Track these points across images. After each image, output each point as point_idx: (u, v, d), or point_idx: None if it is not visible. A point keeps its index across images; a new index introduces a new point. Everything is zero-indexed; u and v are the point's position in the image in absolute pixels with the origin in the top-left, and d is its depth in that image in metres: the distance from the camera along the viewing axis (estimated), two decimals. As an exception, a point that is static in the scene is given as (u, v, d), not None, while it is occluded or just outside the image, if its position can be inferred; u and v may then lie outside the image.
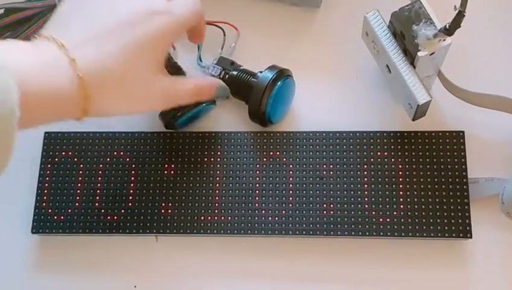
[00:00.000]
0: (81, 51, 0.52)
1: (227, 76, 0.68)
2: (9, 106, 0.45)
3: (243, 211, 0.64)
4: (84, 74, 0.51)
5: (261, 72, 0.66)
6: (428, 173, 0.64)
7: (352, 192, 0.64)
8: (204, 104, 0.67)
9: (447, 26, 0.55)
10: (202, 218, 0.65)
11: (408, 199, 0.63)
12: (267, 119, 0.66)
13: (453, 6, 0.53)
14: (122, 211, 0.65)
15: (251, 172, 0.66)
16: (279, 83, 0.65)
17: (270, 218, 0.64)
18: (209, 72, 0.69)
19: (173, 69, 0.67)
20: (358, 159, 0.65)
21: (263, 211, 0.64)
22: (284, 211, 0.64)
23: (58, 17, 0.56)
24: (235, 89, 0.67)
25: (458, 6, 0.53)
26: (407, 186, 0.63)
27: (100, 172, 0.67)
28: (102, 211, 0.65)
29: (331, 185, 0.64)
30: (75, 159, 0.67)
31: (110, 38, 0.53)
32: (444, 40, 0.58)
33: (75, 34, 0.53)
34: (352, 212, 0.63)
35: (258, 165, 0.66)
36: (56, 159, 0.67)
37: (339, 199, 0.64)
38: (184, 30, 0.59)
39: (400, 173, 0.64)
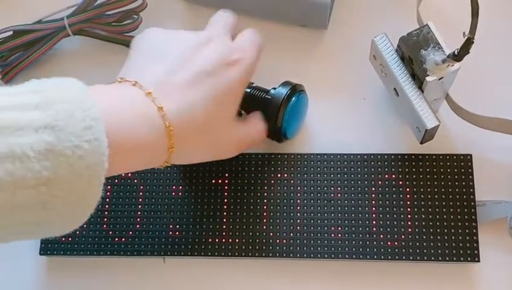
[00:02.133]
0: (167, 99, 0.52)
1: None
2: (99, 156, 0.44)
3: (251, 234, 0.64)
4: (171, 123, 0.52)
5: (274, 88, 0.66)
6: (436, 196, 0.63)
7: (360, 215, 0.63)
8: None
9: (456, 52, 0.55)
10: (210, 240, 0.64)
11: (416, 222, 0.62)
12: (282, 135, 0.65)
13: (462, 33, 0.53)
14: (130, 232, 0.65)
15: (259, 194, 0.65)
16: (294, 98, 0.65)
17: (278, 241, 0.63)
18: None
19: None
20: (366, 182, 0.64)
21: (271, 234, 0.64)
22: (292, 234, 0.64)
23: (135, 62, 0.57)
24: (249, 107, 0.67)
25: (467, 32, 0.53)
26: (415, 209, 0.63)
27: (108, 193, 0.66)
28: (110, 232, 0.65)
29: (339, 208, 0.64)
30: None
31: (192, 89, 0.54)
32: (453, 65, 0.57)
33: (159, 82, 0.54)
34: (360, 235, 0.63)
35: (266, 187, 0.65)
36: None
37: (346, 221, 0.63)
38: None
39: (408, 196, 0.63)
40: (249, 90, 0.67)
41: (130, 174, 0.67)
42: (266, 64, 0.70)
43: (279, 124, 0.64)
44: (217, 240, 0.64)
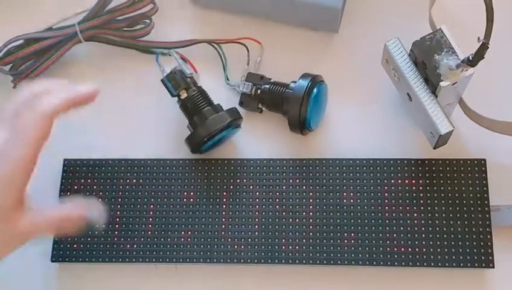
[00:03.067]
0: None
1: (259, 91, 0.68)
2: None
3: (263, 240, 0.63)
4: None
5: (293, 82, 0.66)
6: (449, 201, 0.62)
7: (373, 221, 0.62)
8: (231, 128, 0.66)
9: (470, 58, 0.54)
10: (222, 246, 0.63)
11: (430, 228, 0.62)
12: (307, 126, 0.65)
13: (477, 38, 0.52)
14: (142, 239, 0.64)
15: (271, 200, 0.64)
16: (315, 89, 0.64)
17: (290, 247, 0.63)
18: (239, 90, 0.69)
19: (199, 93, 0.66)
20: (379, 187, 0.64)
21: (283, 240, 0.63)
22: (304, 240, 0.63)
23: None
24: (270, 103, 0.67)
25: (482, 38, 0.52)
26: (429, 214, 0.62)
27: (119, 200, 0.66)
28: (122, 239, 0.64)
29: (352, 214, 0.63)
30: (94, 187, 0.66)
31: None
32: (467, 70, 0.56)
33: None
34: (374, 241, 0.62)
35: (278, 193, 0.65)
36: (75, 187, 0.67)
37: (359, 227, 0.62)
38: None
39: (421, 201, 0.63)
40: (268, 86, 0.67)
41: (141, 181, 0.66)
42: (278, 67, 0.70)
43: (303, 116, 0.64)
44: (229, 246, 0.63)
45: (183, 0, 0.75)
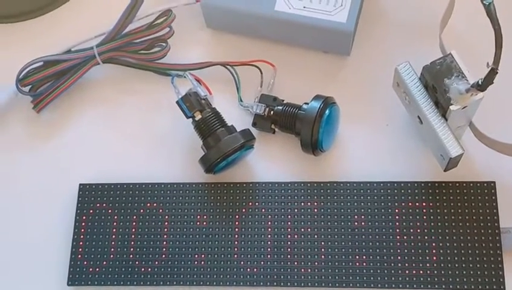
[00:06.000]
0: None
1: (272, 112, 0.67)
2: None
3: (275, 263, 0.62)
4: None
5: (306, 103, 0.64)
6: (460, 223, 0.61)
7: (384, 243, 0.61)
8: (244, 149, 0.64)
9: (480, 82, 0.52)
10: (235, 269, 0.62)
11: (440, 251, 0.60)
12: (319, 147, 0.64)
13: (486, 63, 0.50)
14: (156, 262, 0.63)
15: (283, 223, 0.63)
16: (327, 110, 0.63)
17: (302, 270, 0.61)
18: (253, 111, 0.67)
19: (213, 115, 0.65)
20: (389, 210, 0.62)
21: (295, 263, 0.61)
22: (316, 263, 0.61)
23: None
24: (282, 123, 0.66)
25: (491, 63, 0.50)
26: (439, 237, 0.60)
27: (134, 223, 0.65)
28: (137, 262, 0.63)
29: (363, 236, 0.61)
30: (110, 211, 0.65)
31: None
32: (477, 94, 0.55)
33: None
34: (385, 264, 0.60)
35: (289, 216, 0.63)
36: (91, 211, 0.65)
37: (371, 250, 0.61)
38: None
39: (432, 223, 0.61)
40: (280, 107, 0.66)
41: (155, 204, 0.65)
42: (290, 89, 0.69)
43: (315, 137, 0.63)
44: (241, 269, 0.62)
45: (199, 24, 0.74)
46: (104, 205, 0.66)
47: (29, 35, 0.78)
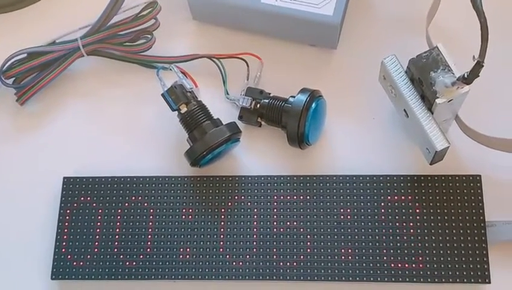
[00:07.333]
0: None
1: (258, 105, 0.66)
2: None
3: (261, 257, 0.61)
4: None
5: (292, 96, 0.64)
6: (445, 217, 0.60)
7: (369, 237, 0.60)
8: (230, 142, 0.64)
9: (466, 76, 0.52)
10: (220, 263, 0.61)
11: (425, 244, 0.60)
12: (305, 140, 0.63)
13: (472, 56, 0.50)
14: (141, 256, 0.62)
15: (269, 216, 0.62)
16: (314, 104, 0.63)
17: (288, 263, 0.61)
18: (239, 104, 0.67)
19: (199, 108, 0.64)
20: (375, 203, 0.61)
21: (281, 257, 0.61)
22: (302, 256, 0.61)
23: None
24: (269, 117, 0.65)
25: (477, 56, 0.50)
26: (425, 230, 0.60)
27: (119, 217, 0.64)
28: (121, 256, 0.62)
29: (349, 230, 0.61)
30: (94, 204, 0.64)
31: None
32: (463, 87, 0.54)
33: None
34: (370, 257, 0.60)
35: (275, 210, 0.63)
36: (75, 205, 0.65)
37: (357, 243, 0.60)
38: None
39: (417, 217, 0.61)
40: (267, 100, 0.65)
41: (140, 198, 0.64)
42: (277, 82, 0.69)
43: (301, 130, 0.62)
44: (227, 263, 0.61)
45: (184, 16, 0.73)
46: (89, 198, 0.65)
47: (13, 27, 0.77)
